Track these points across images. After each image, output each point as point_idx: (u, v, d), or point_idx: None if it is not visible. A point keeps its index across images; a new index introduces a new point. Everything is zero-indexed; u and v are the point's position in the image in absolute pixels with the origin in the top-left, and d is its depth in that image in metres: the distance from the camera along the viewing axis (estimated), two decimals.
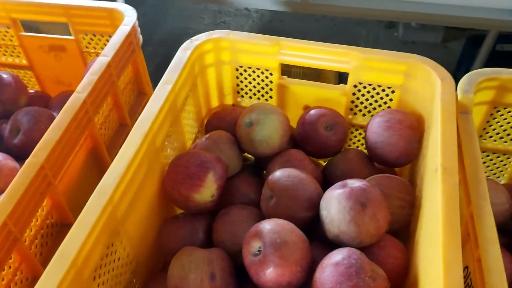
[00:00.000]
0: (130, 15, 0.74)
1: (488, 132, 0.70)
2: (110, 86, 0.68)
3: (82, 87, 0.62)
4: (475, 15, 1.14)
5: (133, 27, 0.73)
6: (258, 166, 0.77)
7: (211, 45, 0.72)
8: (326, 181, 0.69)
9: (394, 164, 0.67)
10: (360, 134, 0.78)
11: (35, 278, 0.56)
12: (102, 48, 0.82)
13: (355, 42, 1.91)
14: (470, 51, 1.58)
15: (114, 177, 0.52)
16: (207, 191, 0.61)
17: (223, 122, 0.75)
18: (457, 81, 0.62)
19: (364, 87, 0.71)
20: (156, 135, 0.60)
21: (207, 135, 0.70)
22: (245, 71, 0.75)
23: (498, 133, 0.70)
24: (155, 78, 0.68)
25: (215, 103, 0.80)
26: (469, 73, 0.63)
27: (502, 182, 0.76)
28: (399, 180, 0.64)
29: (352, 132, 0.78)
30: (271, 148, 0.68)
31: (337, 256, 0.52)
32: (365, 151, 0.70)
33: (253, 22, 2.15)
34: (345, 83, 0.72)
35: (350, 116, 0.75)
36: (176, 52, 0.68)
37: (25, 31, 0.83)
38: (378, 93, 0.71)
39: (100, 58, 0.66)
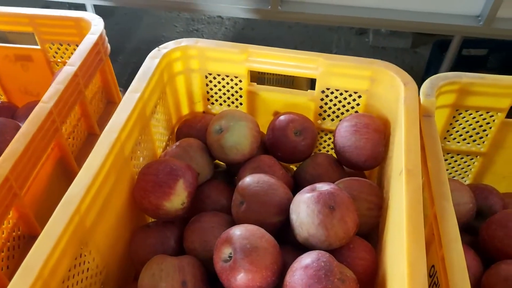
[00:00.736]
0: (97, 24, 0.73)
1: (451, 134, 0.72)
2: (78, 96, 0.68)
3: (48, 97, 0.62)
4: (442, 21, 1.18)
5: (100, 36, 0.72)
6: (230, 173, 0.77)
7: (179, 53, 0.73)
8: (296, 185, 0.70)
9: (363, 167, 0.68)
10: (329, 138, 0.79)
11: None
12: (69, 57, 0.81)
13: (328, 48, 1.94)
14: (437, 56, 1.62)
15: (81, 187, 0.52)
16: (178, 199, 0.61)
17: (193, 129, 0.75)
18: None
19: (332, 93, 0.72)
20: (125, 144, 0.60)
21: (177, 143, 0.70)
22: (215, 78, 0.76)
23: (461, 135, 0.72)
24: (128, 87, 0.67)
25: (185, 110, 0.80)
26: (431, 77, 0.64)
27: (467, 182, 0.78)
28: (367, 183, 0.65)
29: (321, 137, 0.79)
30: (241, 155, 0.69)
31: (306, 259, 0.52)
32: (334, 155, 0.72)
33: (226, 29, 2.16)
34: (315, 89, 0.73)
35: (319, 121, 0.77)
36: None
37: None
38: (345, 98, 0.72)
39: (66, 68, 0.66)
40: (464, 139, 0.72)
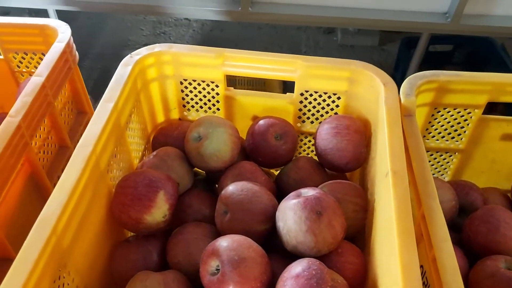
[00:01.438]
0: (64, 31, 0.70)
1: (430, 132, 0.72)
2: (47, 107, 0.64)
3: (15, 110, 0.58)
4: (410, 19, 1.19)
5: (68, 44, 0.69)
6: (209, 181, 0.75)
7: (152, 59, 0.70)
8: (279, 191, 0.69)
9: (345, 169, 0.68)
10: (309, 141, 0.78)
11: None
12: (36, 67, 0.77)
13: (297, 47, 1.94)
14: (405, 53, 1.65)
15: (56, 206, 0.49)
16: (159, 211, 0.59)
17: (170, 137, 0.73)
18: (395, 80, 0.63)
19: (311, 95, 0.71)
20: (100, 157, 0.57)
21: (154, 153, 0.68)
22: (190, 84, 0.74)
23: (440, 133, 0.72)
24: (95, 93, 0.65)
25: (160, 118, 0.78)
26: (409, 77, 0.64)
27: (446, 179, 0.79)
28: (351, 185, 0.64)
29: (301, 140, 0.78)
30: (221, 162, 0.67)
31: (296, 268, 0.51)
32: (316, 158, 0.71)
33: (194, 31, 2.13)
34: (290, 90, 0.72)
35: (298, 124, 0.76)
36: (116, 65, 0.65)
37: None
38: (324, 100, 0.71)
39: (33, 78, 0.62)
40: (443, 137, 0.73)
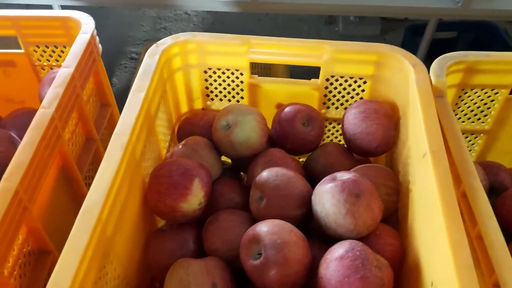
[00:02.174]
0: (87, 22, 0.69)
1: (457, 114, 0.72)
2: (76, 99, 0.64)
3: (47, 102, 0.58)
4: (417, 4, 1.19)
5: (92, 35, 0.69)
6: (236, 169, 0.75)
7: (177, 48, 0.70)
8: (307, 177, 0.69)
9: (374, 153, 0.68)
10: (333, 127, 0.78)
11: None
12: (57, 60, 0.77)
13: (299, 38, 1.93)
14: (411, 41, 1.65)
15: (100, 194, 0.49)
16: (195, 199, 0.59)
17: (196, 127, 0.73)
18: None
19: (336, 80, 0.71)
20: (135, 146, 0.57)
21: (183, 142, 0.68)
22: (214, 72, 0.73)
23: (466, 114, 0.72)
24: None
25: (184, 108, 0.78)
26: (438, 58, 0.65)
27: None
28: (383, 168, 0.64)
29: (325, 126, 0.78)
30: (251, 149, 0.67)
31: (339, 250, 0.51)
32: (341, 143, 0.71)
33: (194, 25, 2.13)
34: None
35: (323, 110, 0.76)
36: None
37: None
38: (350, 85, 0.71)
39: (62, 70, 0.62)
40: (469, 118, 0.73)
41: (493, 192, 0.68)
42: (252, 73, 0.73)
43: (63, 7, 1.34)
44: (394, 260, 0.56)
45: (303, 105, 0.71)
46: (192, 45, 0.70)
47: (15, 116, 0.76)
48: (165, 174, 0.59)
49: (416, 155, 0.57)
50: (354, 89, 0.72)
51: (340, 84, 0.72)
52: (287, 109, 0.70)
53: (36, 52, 0.76)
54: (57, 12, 0.71)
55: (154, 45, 0.68)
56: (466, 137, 0.76)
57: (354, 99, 0.73)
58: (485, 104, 0.71)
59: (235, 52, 0.70)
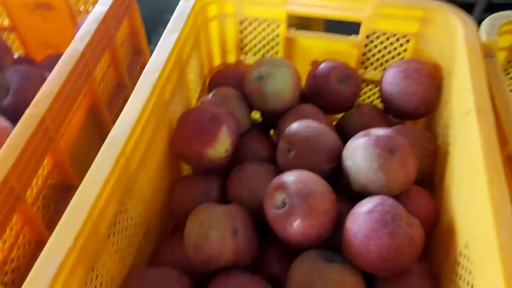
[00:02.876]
0: None
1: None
2: (108, 40, 0.63)
3: (79, 37, 0.57)
4: None
5: None
6: (266, 126, 0.73)
7: None
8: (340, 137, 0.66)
9: (412, 115, 0.64)
10: (371, 90, 0.75)
11: (39, 243, 0.51)
12: (93, 6, 0.76)
13: None
14: None
15: (125, 127, 0.48)
16: (221, 146, 0.57)
17: (228, 79, 0.71)
18: None
19: (377, 37, 0.67)
20: (165, 86, 0.56)
21: (213, 92, 0.66)
22: (250, 24, 0.71)
23: None
24: None
25: (217, 61, 0.76)
26: (490, 16, 0.60)
27: None
28: (420, 129, 0.61)
29: (362, 89, 0.75)
30: (283, 103, 0.65)
31: (369, 203, 0.49)
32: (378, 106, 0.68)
33: None
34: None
35: (360, 71, 0.72)
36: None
37: None
38: (391, 44, 0.68)
39: (96, 8, 0.61)
40: None
41: None
42: (289, 27, 0.70)
43: None
44: (426, 223, 0.53)
45: (340, 62, 0.68)
46: None
47: (48, 61, 0.76)
48: (193, 119, 0.58)
49: (458, 114, 0.54)
50: (395, 48, 0.68)
51: (381, 42, 0.68)
52: (322, 65, 0.67)
53: None
54: None
55: None
56: None
57: (394, 59, 0.69)
58: None
59: (272, 2, 0.68)
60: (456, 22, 0.59)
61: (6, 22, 0.80)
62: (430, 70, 0.63)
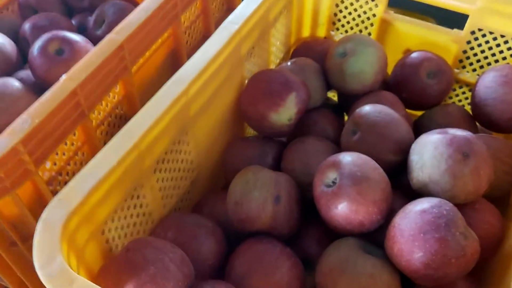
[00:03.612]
0: None
1: None
2: None
3: None
4: None
5: None
6: (341, 107, 0.70)
7: None
8: (416, 135, 0.61)
9: (503, 127, 0.58)
10: (463, 93, 0.68)
11: None
12: None
13: None
14: None
15: (194, 69, 0.48)
16: (286, 112, 0.55)
17: (312, 52, 0.68)
18: None
19: (483, 36, 0.61)
20: (243, 41, 0.55)
21: (293, 60, 0.64)
22: None
23: None
24: None
25: (306, 32, 0.74)
26: None
27: None
28: (508, 143, 0.55)
29: (454, 90, 0.69)
30: (362, 85, 0.61)
31: (425, 203, 0.44)
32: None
33: None
34: None
35: (456, 70, 0.66)
36: None
37: None
38: (498, 45, 0.61)
39: None
40: None
41: None
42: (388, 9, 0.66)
43: None
44: (487, 241, 0.48)
45: (434, 55, 0.62)
46: None
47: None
48: (264, 79, 0.56)
49: None
50: (501, 51, 0.61)
51: (486, 42, 0.61)
52: (414, 54, 0.63)
53: None
54: None
55: None
56: None
57: (498, 64, 0.62)
58: None
59: None
60: None
61: None
62: None
